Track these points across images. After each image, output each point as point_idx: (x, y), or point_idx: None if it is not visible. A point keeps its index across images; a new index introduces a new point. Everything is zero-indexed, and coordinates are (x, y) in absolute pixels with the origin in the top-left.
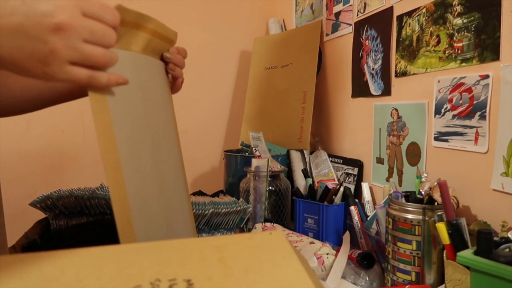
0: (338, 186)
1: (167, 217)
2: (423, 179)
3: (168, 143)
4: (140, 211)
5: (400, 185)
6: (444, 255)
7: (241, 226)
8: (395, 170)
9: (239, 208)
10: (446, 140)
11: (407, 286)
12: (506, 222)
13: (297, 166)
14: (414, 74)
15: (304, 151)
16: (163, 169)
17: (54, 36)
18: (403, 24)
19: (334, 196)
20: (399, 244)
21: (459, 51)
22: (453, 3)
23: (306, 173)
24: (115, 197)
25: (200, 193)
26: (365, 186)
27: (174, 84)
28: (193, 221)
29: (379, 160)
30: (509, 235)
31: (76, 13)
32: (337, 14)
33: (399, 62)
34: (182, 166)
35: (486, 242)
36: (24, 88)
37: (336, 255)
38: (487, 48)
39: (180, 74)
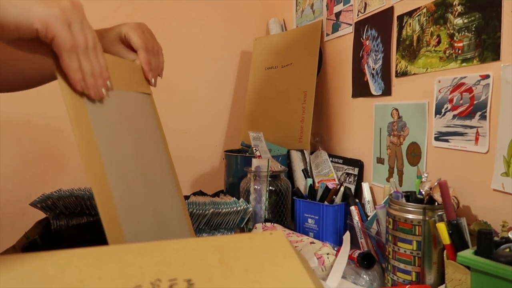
0: (339, 186)
1: (158, 220)
2: (423, 179)
3: (153, 147)
4: (128, 215)
5: (401, 185)
6: (445, 255)
7: (242, 226)
8: (395, 170)
9: (239, 208)
10: (447, 140)
11: (408, 286)
12: (506, 222)
13: (298, 166)
14: (414, 74)
15: (305, 151)
16: (150, 173)
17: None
18: (403, 24)
19: (334, 196)
20: (399, 244)
21: (459, 51)
22: (454, 3)
23: (307, 173)
24: (101, 203)
25: (200, 193)
26: (365, 186)
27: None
28: (189, 223)
29: (380, 160)
30: (510, 235)
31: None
32: (338, 14)
33: (400, 62)
34: (173, 169)
35: (486, 242)
36: (18, 60)
37: (336, 255)
38: (487, 48)
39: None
